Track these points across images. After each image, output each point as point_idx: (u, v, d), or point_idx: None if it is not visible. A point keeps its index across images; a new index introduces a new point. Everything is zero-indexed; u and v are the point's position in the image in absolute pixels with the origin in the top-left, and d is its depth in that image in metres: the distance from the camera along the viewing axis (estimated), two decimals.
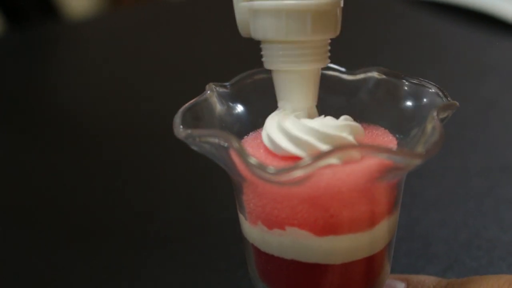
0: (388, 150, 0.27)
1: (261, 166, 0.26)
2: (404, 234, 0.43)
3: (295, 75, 0.31)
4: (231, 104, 0.34)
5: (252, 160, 0.27)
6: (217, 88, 0.33)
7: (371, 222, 0.29)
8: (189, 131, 0.29)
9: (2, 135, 0.67)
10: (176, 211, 0.50)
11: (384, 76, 0.33)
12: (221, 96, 0.33)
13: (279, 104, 0.32)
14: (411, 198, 0.47)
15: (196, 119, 0.31)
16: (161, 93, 0.72)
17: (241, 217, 0.32)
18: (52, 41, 0.95)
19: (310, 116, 0.31)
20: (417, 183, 0.48)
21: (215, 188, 0.52)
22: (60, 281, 0.44)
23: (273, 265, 0.31)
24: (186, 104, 0.31)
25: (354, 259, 0.30)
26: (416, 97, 0.32)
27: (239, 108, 0.33)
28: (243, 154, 0.27)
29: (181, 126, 0.29)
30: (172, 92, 0.71)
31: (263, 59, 0.32)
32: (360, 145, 0.27)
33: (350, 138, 0.29)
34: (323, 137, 0.28)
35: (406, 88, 0.33)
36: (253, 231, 0.31)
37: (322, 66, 0.32)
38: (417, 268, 0.41)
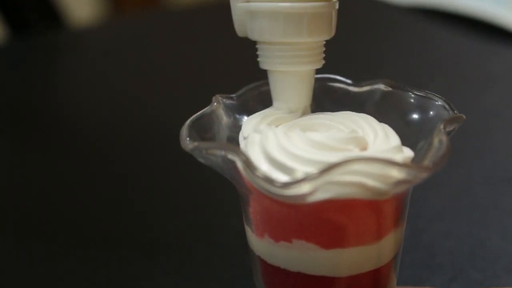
0: (394, 163, 0.27)
1: (268, 179, 0.26)
2: (409, 245, 0.43)
3: (290, 76, 0.32)
4: (237, 116, 0.34)
5: (259, 173, 0.27)
6: (224, 100, 0.33)
7: (378, 235, 0.30)
8: (196, 143, 0.29)
9: (5, 143, 0.67)
10: (180, 220, 0.50)
11: (390, 89, 0.33)
12: (227, 108, 0.33)
13: (274, 104, 0.33)
14: (415, 209, 0.46)
15: (202, 131, 0.31)
16: (165, 100, 0.72)
17: (247, 229, 0.32)
18: (55, 49, 0.95)
19: (304, 114, 0.32)
20: (421, 194, 0.48)
21: (219, 198, 0.52)
22: None
23: (280, 277, 0.31)
24: (193, 116, 0.31)
25: (361, 272, 0.30)
26: (423, 110, 0.32)
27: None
28: (249, 167, 0.27)
29: (188, 139, 0.30)
30: (177, 99, 0.71)
31: (258, 59, 0.32)
32: (366, 158, 0.27)
33: (357, 150, 0.29)
34: (330, 150, 0.28)
35: (412, 100, 0.33)
36: (260, 243, 0.31)
37: (317, 67, 0.32)
38: (422, 280, 0.41)
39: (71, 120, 0.72)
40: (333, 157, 0.27)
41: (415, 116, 0.33)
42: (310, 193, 0.26)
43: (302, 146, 0.28)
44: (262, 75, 0.34)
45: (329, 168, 0.26)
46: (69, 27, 1.06)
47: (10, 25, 1.00)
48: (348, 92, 0.34)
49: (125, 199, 0.54)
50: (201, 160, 0.30)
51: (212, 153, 0.29)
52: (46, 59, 0.90)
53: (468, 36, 0.80)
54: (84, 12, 1.40)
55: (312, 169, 0.27)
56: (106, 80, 0.81)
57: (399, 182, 0.27)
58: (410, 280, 0.40)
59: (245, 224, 0.32)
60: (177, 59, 0.85)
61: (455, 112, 0.31)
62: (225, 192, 0.48)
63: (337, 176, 0.26)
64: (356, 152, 0.29)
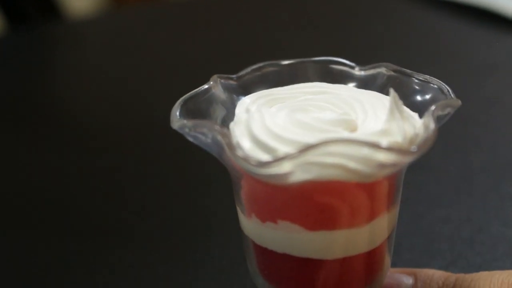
0: (373, 146, 0.26)
1: (245, 158, 0.26)
2: (408, 229, 0.42)
3: None
4: (237, 96, 0.33)
5: (238, 152, 0.26)
6: (222, 80, 0.33)
7: (367, 217, 0.29)
8: (184, 121, 0.29)
9: (2, 136, 0.66)
10: (178, 210, 0.50)
11: (392, 73, 0.33)
12: (226, 88, 0.33)
13: None
14: (415, 193, 0.46)
15: (197, 110, 0.31)
16: (163, 93, 0.72)
17: (238, 210, 0.31)
18: (54, 42, 0.95)
19: None
20: (420, 179, 0.48)
21: (217, 187, 0.52)
22: (62, 282, 0.44)
23: (268, 258, 0.31)
24: (186, 95, 0.31)
25: (348, 255, 0.30)
26: (422, 94, 0.32)
27: None
28: (229, 146, 0.26)
29: (178, 116, 0.29)
30: (175, 92, 0.71)
31: None
32: (344, 139, 0.26)
33: (345, 132, 0.28)
34: (315, 131, 0.27)
35: (413, 84, 0.32)
36: (249, 224, 0.30)
37: None
38: (421, 264, 0.40)
39: (69, 112, 0.72)
40: (314, 138, 0.26)
41: (415, 99, 0.32)
42: (290, 173, 0.26)
43: (286, 126, 0.28)
44: None
45: (306, 148, 0.25)
46: (67, 20, 1.06)
47: (8, 17, 1.00)
48: (351, 74, 0.34)
49: (125, 190, 0.54)
50: (190, 139, 0.29)
51: (200, 132, 0.28)
52: (44, 51, 0.90)
53: (469, 24, 0.79)
54: (83, 4, 1.39)
55: (292, 149, 0.26)
56: (104, 73, 0.80)
57: (382, 165, 0.26)
58: (409, 264, 0.40)
59: (236, 205, 0.31)
60: (176, 52, 0.84)
61: (452, 96, 0.30)
62: (222, 180, 0.47)
63: (316, 157, 0.26)
64: (342, 134, 0.28)
